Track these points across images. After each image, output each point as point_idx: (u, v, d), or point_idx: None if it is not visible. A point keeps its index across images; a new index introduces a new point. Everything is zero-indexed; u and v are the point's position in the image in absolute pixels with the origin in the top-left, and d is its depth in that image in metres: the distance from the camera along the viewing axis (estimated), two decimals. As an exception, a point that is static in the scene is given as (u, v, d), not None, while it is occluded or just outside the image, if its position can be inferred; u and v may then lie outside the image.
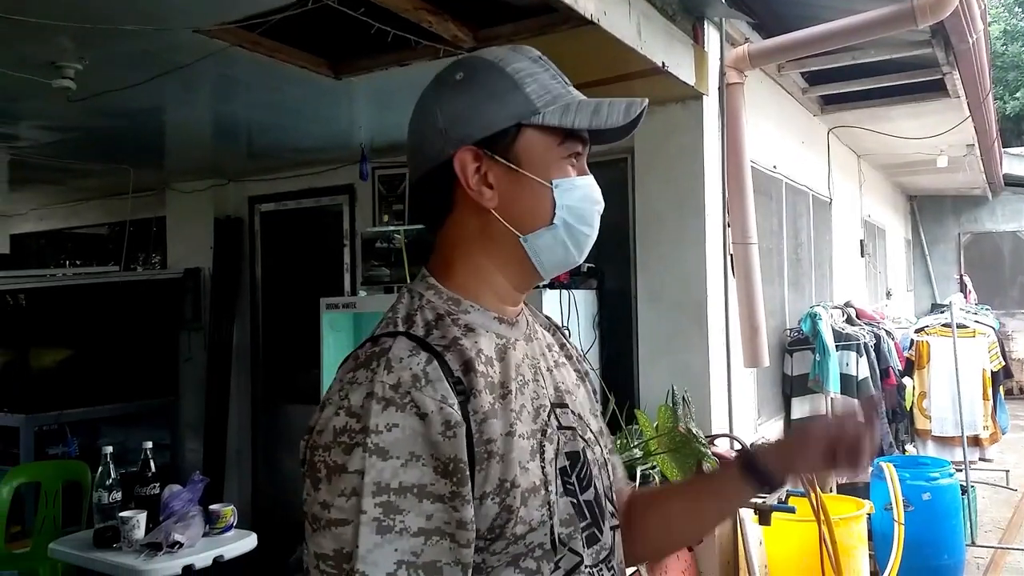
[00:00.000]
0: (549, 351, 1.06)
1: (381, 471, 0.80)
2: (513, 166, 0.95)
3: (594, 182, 1.00)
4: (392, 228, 4.19)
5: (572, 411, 1.01)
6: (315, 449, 0.85)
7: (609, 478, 1.05)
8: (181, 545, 2.70)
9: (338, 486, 0.81)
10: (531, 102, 0.94)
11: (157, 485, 2.89)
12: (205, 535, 2.85)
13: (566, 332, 1.19)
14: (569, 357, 1.11)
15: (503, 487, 0.86)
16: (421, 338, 0.89)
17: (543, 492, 0.90)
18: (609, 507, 1.02)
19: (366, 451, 0.81)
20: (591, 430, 1.04)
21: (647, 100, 0.97)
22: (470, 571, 0.84)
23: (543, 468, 0.91)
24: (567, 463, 0.96)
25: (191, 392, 5.58)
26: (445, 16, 2.58)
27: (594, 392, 1.14)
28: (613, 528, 1.01)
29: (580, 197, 0.97)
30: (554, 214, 0.95)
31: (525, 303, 1.08)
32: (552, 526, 0.90)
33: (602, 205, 1.01)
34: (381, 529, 0.79)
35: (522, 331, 1.01)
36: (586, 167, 1.00)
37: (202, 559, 2.71)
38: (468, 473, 0.84)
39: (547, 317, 1.17)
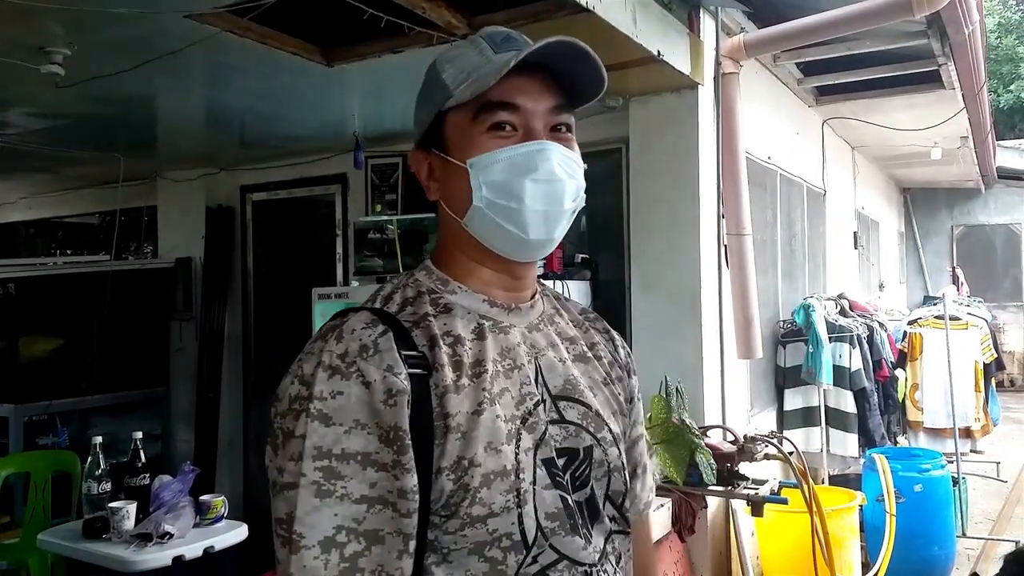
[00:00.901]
0: (572, 344, 1.03)
1: (323, 436, 0.82)
2: (442, 154, 0.97)
3: (539, 149, 0.92)
4: (385, 218, 4.17)
5: (587, 407, 0.98)
6: (275, 417, 0.87)
7: (624, 483, 0.99)
8: (171, 536, 2.68)
9: (288, 451, 0.83)
10: (446, 88, 0.95)
11: (147, 475, 2.87)
12: (195, 526, 2.83)
13: (613, 333, 1.13)
14: (597, 357, 1.06)
15: (460, 464, 0.85)
16: (389, 313, 0.91)
17: (512, 478, 0.87)
18: (611, 511, 0.98)
19: (308, 416, 0.83)
20: (609, 429, 0.99)
21: (559, 37, 0.90)
22: (411, 542, 0.83)
23: (516, 455, 0.88)
24: (556, 456, 0.92)
25: (182, 382, 5.55)
26: (439, 2, 2.55)
27: (627, 399, 1.09)
28: (610, 533, 0.97)
29: (502, 170, 0.92)
30: (473, 194, 0.94)
31: (548, 295, 1.07)
32: (521, 515, 0.86)
33: (540, 173, 0.92)
34: (320, 493, 0.81)
35: (527, 319, 1.00)
36: (537, 130, 0.93)
37: (192, 550, 2.69)
38: (408, 442, 0.84)
39: (590, 314, 1.13)
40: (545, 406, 0.94)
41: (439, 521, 0.85)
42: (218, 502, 2.93)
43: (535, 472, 0.89)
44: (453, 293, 0.96)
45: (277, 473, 0.84)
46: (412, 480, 0.83)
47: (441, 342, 0.90)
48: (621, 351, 1.12)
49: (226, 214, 5.47)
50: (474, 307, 0.96)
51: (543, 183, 0.92)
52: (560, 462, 0.92)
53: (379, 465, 0.82)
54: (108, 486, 2.90)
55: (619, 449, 1.00)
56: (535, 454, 0.90)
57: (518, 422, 0.91)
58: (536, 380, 0.95)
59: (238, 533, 2.90)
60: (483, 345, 0.93)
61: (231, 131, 4.65)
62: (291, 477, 0.82)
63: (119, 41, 2.85)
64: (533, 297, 1.02)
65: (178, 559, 2.64)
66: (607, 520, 0.97)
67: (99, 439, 2.95)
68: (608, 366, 1.07)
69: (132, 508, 2.74)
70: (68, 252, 7.35)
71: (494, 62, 0.93)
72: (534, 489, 0.88)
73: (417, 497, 0.84)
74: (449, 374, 0.88)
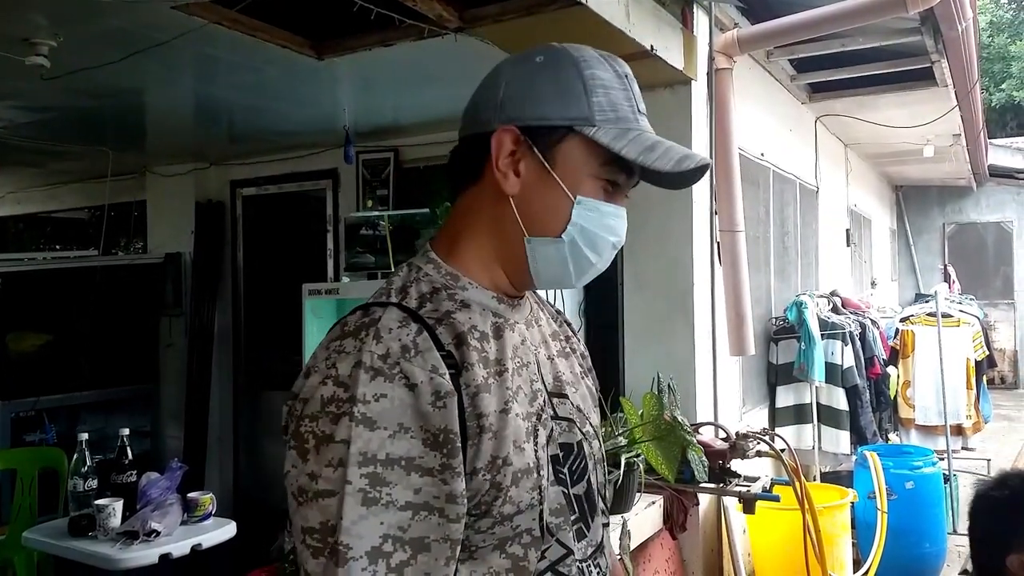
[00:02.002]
0: (553, 340, 1.05)
1: (368, 441, 0.79)
2: (547, 165, 0.93)
3: (623, 216, 0.98)
4: (376, 214, 4.13)
5: (572, 402, 1.00)
6: (302, 419, 0.83)
7: (604, 474, 1.03)
8: (158, 533, 2.66)
9: (325, 456, 0.79)
10: (591, 112, 0.92)
11: (134, 472, 2.85)
12: (183, 523, 2.81)
13: (574, 327, 1.18)
14: (573, 351, 1.10)
15: (495, 464, 0.85)
16: (412, 310, 0.88)
17: (535, 475, 0.88)
18: (601, 504, 1.01)
19: (352, 420, 0.79)
20: (591, 424, 1.03)
21: (709, 160, 0.95)
22: (458, 548, 0.82)
23: (536, 452, 0.90)
24: (560, 453, 0.94)
25: (172, 379, 5.52)
26: (430, -5, 2.52)
27: (596, 390, 1.13)
28: (603, 525, 1.00)
29: (599, 223, 0.94)
30: (565, 228, 0.93)
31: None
32: (541, 512, 0.88)
33: (620, 240, 0.98)
34: (367, 501, 0.78)
35: (523, 315, 1.00)
36: (623, 197, 0.99)
37: (179, 548, 2.67)
38: (459, 444, 0.82)
39: (556, 310, 1.16)
40: (547, 402, 0.96)
41: (470, 520, 0.85)
42: (206, 499, 2.91)
43: (548, 468, 0.91)
44: (464, 289, 0.94)
45: (308, 480, 0.80)
46: (462, 483, 0.82)
47: (469, 338, 0.89)
48: (582, 344, 1.15)
49: (216, 209, 5.44)
50: (487, 304, 0.95)
51: (615, 248, 0.98)
52: (561, 457, 0.94)
53: (423, 470, 0.80)
54: (94, 483, 2.87)
55: (599, 442, 1.03)
56: (547, 450, 0.92)
57: (533, 419, 0.92)
58: (538, 377, 0.97)
59: (226, 531, 2.88)
60: (501, 343, 0.93)
61: (220, 125, 4.62)
62: (330, 484, 0.79)
63: (105, 33, 2.82)
64: (523, 294, 1.03)
65: (165, 557, 2.62)
66: (601, 513, 1.00)
67: (85, 436, 2.92)
68: (580, 359, 1.10)
69: (118, 505, 2.71)
70: (57, 247, 7.31)
71: (639, 124, 0.95)
72: (548, 485, 0.90)
73: (466, 501, 0.83)
74: (480, 372, 0.87)
